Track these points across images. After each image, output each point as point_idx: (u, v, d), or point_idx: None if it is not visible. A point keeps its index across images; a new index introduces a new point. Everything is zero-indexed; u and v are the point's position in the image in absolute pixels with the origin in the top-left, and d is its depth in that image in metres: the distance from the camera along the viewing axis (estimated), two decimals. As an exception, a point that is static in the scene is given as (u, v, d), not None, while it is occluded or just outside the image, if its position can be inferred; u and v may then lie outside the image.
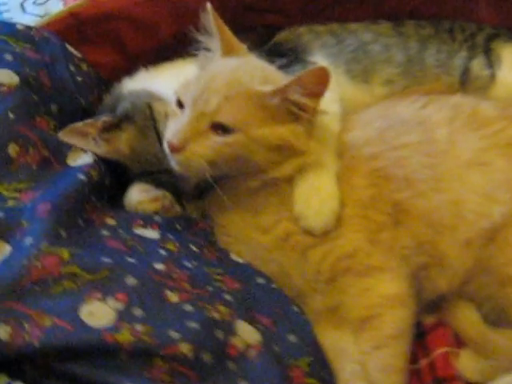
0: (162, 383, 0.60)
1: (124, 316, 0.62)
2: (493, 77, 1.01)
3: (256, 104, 0.76)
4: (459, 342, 0.86)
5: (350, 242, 0.81)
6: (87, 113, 0.90)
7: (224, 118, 0.75)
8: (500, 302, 0.84)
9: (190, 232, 0.83)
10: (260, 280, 0.80)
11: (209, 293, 0.70)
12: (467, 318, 0.87)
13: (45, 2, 1.27)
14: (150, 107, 0.87)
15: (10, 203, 0.70)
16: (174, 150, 0.74)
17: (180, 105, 0.78)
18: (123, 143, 0.87)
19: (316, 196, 0.78)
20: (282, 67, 0.90)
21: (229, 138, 0.75)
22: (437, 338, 0.87)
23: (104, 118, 0.85)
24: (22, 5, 1.27)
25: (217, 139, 0.75)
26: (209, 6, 0.81)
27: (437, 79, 1.00)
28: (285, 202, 0.81)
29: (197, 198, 0.88)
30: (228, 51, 0.81)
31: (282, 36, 1.03)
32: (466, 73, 1.00)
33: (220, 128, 0.74)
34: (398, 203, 0.83)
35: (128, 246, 0.71)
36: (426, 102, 0.90)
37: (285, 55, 0.96)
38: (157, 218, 0.82)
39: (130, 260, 0.68)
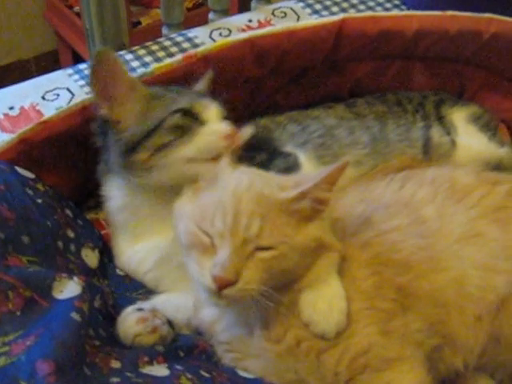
0: None
1: None
2: (453, 143, 1.04)
3: (287, 212, 0.73)
4: None
5: (363, 338, 0.78)
6: (54, 234, 0.83)
7: (269, 240, 0.71)
8: None
9: (193, 357, 0.77)
10: None
11: None
12: None
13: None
14: None
15: (1, 362, 0.61)
16: (227, 284, 0.69)
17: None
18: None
19: (322, 298, 0.75)
20: (264, 163, 0.89)
21: (275, 252, 0.71)
22: None
23: None
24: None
25: (264, 256, 0.71)
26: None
27: (402, 153, 1.01)
28: (291, 310, 0.76)
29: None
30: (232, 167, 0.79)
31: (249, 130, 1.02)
32: (427, 142, 1.03)
33: (264, 247, 0.71)
34: (401, 287, 0.81)
35: (145, 388, 0.64)
36: (403, 182, 0.90)
37: (256, 149, 0.95)
38: (159, 349, 0.75)
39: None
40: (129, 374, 0.67)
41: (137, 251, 0.91)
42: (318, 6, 1.62)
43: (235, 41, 0.99)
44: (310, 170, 0.94)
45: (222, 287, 0.70)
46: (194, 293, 0.84)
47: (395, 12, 1.50)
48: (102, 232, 1.01)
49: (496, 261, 0.82)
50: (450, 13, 1.07)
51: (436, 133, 1.04)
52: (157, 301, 0.86)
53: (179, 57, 0.97)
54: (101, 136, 0.90)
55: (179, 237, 0.77)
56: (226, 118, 0.91)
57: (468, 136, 1.06)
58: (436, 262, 0.82)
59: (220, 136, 0.85)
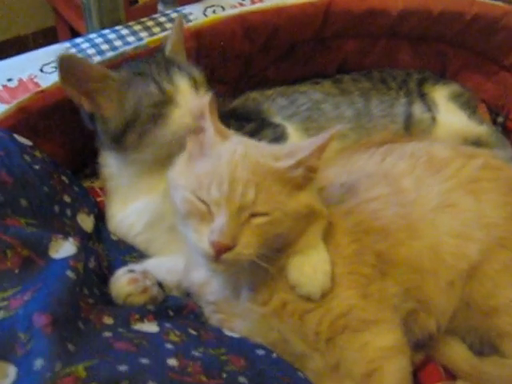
0: None
1: None
2: (434, 119, 1.08)
3: (281, 180, 0.76)
4: (448, 373, 0.89)
5: (344, 300, 0.82)
6: (51, 198, 0.87)
7: (264, 207, 0.74)
8: (485, 332, 0.88)
9: (181, 316, 0.82)
10: (260, 352, 0.79)
11: (224, 380, 0.68)
12: (457, 353, 0.89)
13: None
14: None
15: (0, 315, 0.65)
16: (225, 249, 0.72)
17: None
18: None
19: (308, 262, 0.79)
20: (253, 132, 0.93)
21: (269, 218, 0.74)
22: (429, 374, 0.89)
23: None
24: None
25: (259, 222, 0.74)
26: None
27: (384, 128, 1.06)
28: (280, 274, 0.80)
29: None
30: (221, 136, 0.80)
31: (237, 102, 1.08)
32: (409, 118, 1.08)
33: (259, 214, 0.74)
34: (380, 254, 0.85)
35: (135, 345, 0.68)
36: (384, 155, 0.94)
37: (245, 119, 0.99)
38: (150, 308, 0.79)
39: (144, 361, 0.64)
40: (120, 330, 0.71)
41: (127, 215, 0.96)
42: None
43: (226, 16, 1.03)
44: (296, 140, 0.99)
45: (219, 252, 0.72)
46: (184, 256, 0.88)
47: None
48: (98, 199, 1.05)
49: (469, 230, 0.87)
50: (433, -6, 1.11)
51: (417, 109, 1.08)
52: (148, 264, 0.90)
53: (172, 31, 1.00)
54: (90, 122, 0.95)
55: (176, 206, 0.79)
56: (199, 81, 0.94)
57: (448, 113, 1.10)
58: (412, 230, 0.86)
59: (191, 115, 0.87)
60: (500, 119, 1.23)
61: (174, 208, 0.81)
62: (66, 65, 0.89)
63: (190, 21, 1.45)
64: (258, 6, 1.06)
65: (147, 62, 0.95)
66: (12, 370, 0.60)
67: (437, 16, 1.12)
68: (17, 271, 0.71)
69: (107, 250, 0.93)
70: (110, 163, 0.97)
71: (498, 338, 0.87)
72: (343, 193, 0.89)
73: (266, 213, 0.75)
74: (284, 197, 0.76)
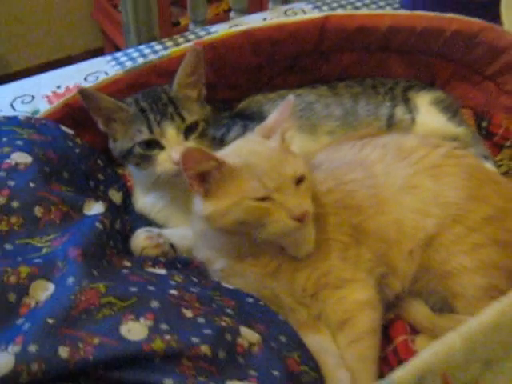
0: (190, 377, 0.74)
1: (154, 330, 0.76)
2: (413, 120, 1.25)
3: (285, 150, 0.93)
4: (413, 330, 1.00)
5: (327, 261, 0.96)
6: (87, 175, 1.07)
7: (299, 171, 0.90)
8: (441, 293, 1.00)
9: (187, 269, 0.99)
10: (249, 299, 0.94)
11: (213, 308, 0.85)
12: (419, 311, 1.01)
13: (31, 101, 1.46)
14: None
15: (45, 250, 0.85)
16: (305, 215, 0.87)
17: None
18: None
19: None
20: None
21: (306, 179, 0.91)
22: (396, 329, 1.00)
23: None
24: (11, 104, 1.45)
25: (305, 185, 0.90)
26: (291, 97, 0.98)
27: (368, 125, 1.22)
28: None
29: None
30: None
31: (244, 104, 1.26)
32: (391, 118, 1.23)
33: (300, 179, 0.90)
34: (355, 226, 0.98)
35: (146, 279, 0.87)
36: (362, 146, 1.07)
37: (249, 119, 1.17)
38: (161, 259, 0.98)
39: (151, 288, 0.83)
40: (135, 270, 0.91)
41: (150, 198, 1.14)
42: (324, 8, 1.85)
43: (235, 32, 1.22)
44: (291, 136, 1.16)
45: (303, 219, 0.87)
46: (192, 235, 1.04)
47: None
48: (128, 184, 1.24)
49: (428, 207, 0.99)
50: (417, 12, 1.28)
51: (399, 111, 1.24)
52: (164, 230, 1.09)
53: (192, 43, 1.21)
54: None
55: (237, 224, 0.88)
56: (190, 126, 1.05)
57: (428, 115, 1.26)
58: (381, 206, 0.99)
59: (172, 162, 1.01)
60: (484, 124, 1.37)
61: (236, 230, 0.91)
62: (85, 96, 1.05)
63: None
64: (262, 23, 1.26)
65: (153, 98, 1.07)
66: (51, 286, 0.81)
67: (421, 32, 1.27)
68: (58, 222, 0.91)
69: (131, 221, 1.13)
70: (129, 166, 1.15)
71: (451, 298, 0.98)
72: (326, 175, 1.03)
73: (303, 175, 0.90)
74: (295, 158, 0.93)
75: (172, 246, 1.05)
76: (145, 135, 1.04)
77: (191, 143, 1.03)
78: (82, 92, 1.06)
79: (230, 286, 0.97)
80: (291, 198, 0.88)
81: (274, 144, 0.94)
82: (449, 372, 0.77)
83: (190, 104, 1.08)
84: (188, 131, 1.05)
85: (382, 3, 1.88)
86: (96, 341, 0.75)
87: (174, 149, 1.02)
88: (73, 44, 3.34)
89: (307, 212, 0.88)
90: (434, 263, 1.00)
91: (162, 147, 1.04)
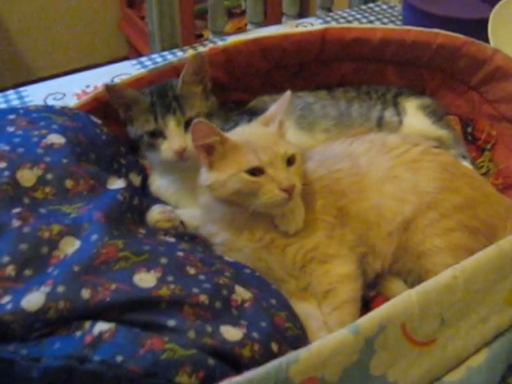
0: (190, 320, 0.88)
1: (161, 280, 0.91)
2: (401, 122, 1.39)
3: (279, 135, 1.09)
4: None
5: (314, 238, 1.06)
6: (111, 158, 1.22)
7: (291, 151, 1.04)
8: (417, 271, 1.10)
9: (194, 242, 1.14)
10: (247, 270, 1.07)
11: (214, 270, 0.99)
12: (398, 288, 1.10)
13: (62, 97, 1.63)
14: None
15: (73, 215, 0.99)
16: (293, 188, 1.01)
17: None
18: None
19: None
20: None
21: (297, 159, 1.05)
22: (378, 305, 1.05)
23: None
24: (44, 100, 1.62)
25: (295, 165, 1.05)
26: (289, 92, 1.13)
27: (360, 125, 1.36)
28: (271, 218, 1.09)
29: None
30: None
31: (252, 103, 1.40)
32: (380, 120, 1.38)
33: (291, 158, 1.04)
34: (340, 209, 1.09)
35: (157, 242, 1.02)
36: (351, 141, 1.19)
37: (256, 116, 1.31)
38: (171, 231, 1.13)
39: (161, 249, 0.98)
40: (149, 235, 1.06)
41: (164, 181, 1.30)
42: (333, 23, 2.01)
43: (246, 39, 1.37)
44: (290, 132, 1.31)
45: (292, 192, 1.00)
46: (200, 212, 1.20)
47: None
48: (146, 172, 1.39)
49: (406, 195, 1.09)
50: (406, 27, 1.42)
51: (388, 113, 1.38)
52: (176, 210, 1.25)
53: (207, 48, 1.37)
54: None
55: (234, 195, 1.03)
56: (190, 119, 1.19)
57: (414, 118, 1.39)
58: (363, 193, 1.10)
59: (172, 150, 1.19)
60: (469, 129, 1.49)
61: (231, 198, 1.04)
62: (109, 90, 1.25)
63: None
64: (270, 32, 1.41)
65: (162, 94, 1.23)
66: (77, 242, 0.95)
67: (410, 44, 1.40)
68: (85, 193, 1.05)
69: (148, 202, 1.28)
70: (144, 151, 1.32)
71: (424, 275, 1.07)
72: (317, 165, 1.15)
73: (294, 156, 1.03)
74: (287, 142, 1.09)
75: (182, 223, 1.20)
76: (151, 125, 1.20)
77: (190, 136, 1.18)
78: (107, 86, 1.25)
79: (230, 259, 1.08)
80: (281, 173, 1.01)
81: (272, 130, 1.10)
82: (408, 325, 0.91)
83: (193, 99, 1.24)
84: (189, 124, 1.17)
85: (385, 20, 2.03)
86: (113, 286, 0.89)
87: (173, 139, 1.19)
88: (99, 53, 3.52)
89: (295, 186, 1.01)
90: (411, 244, 1.10)
91: (164, 137, 1.20)
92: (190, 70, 1.24)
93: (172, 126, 1.20)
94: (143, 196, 1.26)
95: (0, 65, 3.34)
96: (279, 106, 1.12)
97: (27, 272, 0.91)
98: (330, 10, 2.18)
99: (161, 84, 1.27)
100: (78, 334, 0.85)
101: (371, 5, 2.12)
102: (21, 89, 1.67)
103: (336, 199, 1.12)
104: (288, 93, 1.12)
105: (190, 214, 1.23)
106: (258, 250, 1.08)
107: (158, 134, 1.21)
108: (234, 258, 1.09)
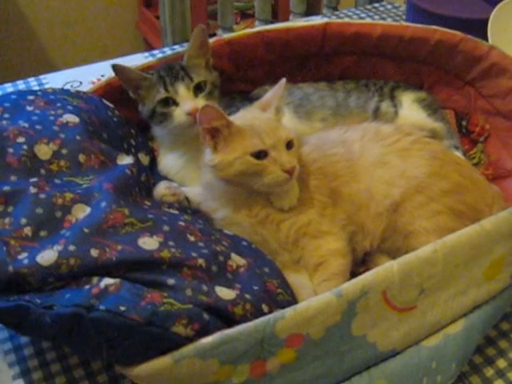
0: (188, 280, 0.96)
1: (163, 244, 0.99)
2: (396, 114, 1.47)
3: (277, 120, 1.17)
4: None
5: (307, 215, 1.13)
6: (122, 138, 1.31)
7: (290, 136, 1.12)
8: (405, 250, 1.11)
9: (196, 216, 1.23)
10: (244, 242, 1.13)
11: (212, 239, 1.07)
12: None
13: (79, 85, 1.73)
14: None
15: (85, 185, 1.08)
16: (294, 169, 1.09)
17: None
18: None
19: None
20: None
21: (296, 144, 1.13)
22: None
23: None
24: (62, 87, 1.70)
25: (294, 149, 1.13)
26: (284, 80, 1.21)
27: (357, 116, 1.44)
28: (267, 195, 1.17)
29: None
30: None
31: (255, 92, 1.48)
32: (377, 111, 1.45)
33: (291, 142, 1.12)
34: (332, 189, 1.16)
35: (161, 213, 1.11)
36: (346, 129, 1.26)
37: None
38: (176, 205, 1.22)
39: (164, 218, 1.07)
40: (154, 207, 1.14)
41: (170, 160, 1.39)
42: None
43: (250, 32, 1.45)
44: (288, 120, 1.39)
45: (293, 173, 1.08)
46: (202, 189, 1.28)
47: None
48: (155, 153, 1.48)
49: (395, 179, 1.16)
50: (405, 23, 1.50)
51: (384, 105, 1.45)
52: (182, 187, 1.33)
53: (213, 39, 1.45)
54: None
55: (238, 175, 1.10)
56: (198, 84, 1.29)
57: (409, 110, 1.46)
58: (354, 176, 1.17)
59: (186, 114, 1.26)
60: (464, 123, 1.56)
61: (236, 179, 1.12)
62: (116, 70, 1.34)
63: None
64: (273, 25, 1.50)
65: (169, 67, 1.32)
66: (88, 208, 1.04)
67: (408, 40, 1.47)
68: (96, 167, 1.14)
69: (155, 180, 1.37)
70: (154, 128, 1.42)
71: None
72: (312, 149, 1.22)
73: (292, 140, 1.11)
74: (285, 127, 1.16)
75: (187, 198, 1.28)
76: (162, 94, 1.28)
77: (200, 100, 1.28)
78: (115, 66, 1.34)
79: (230, 233, 1.18)
80: (284, 155, 1.10)
81: (270, 115, 1.18)
82: (388, 292, 0.99)
83: (199, 69, 1.32)
84: (197, 90, 1.29)
85: (389, 19, 2.11)
86: (119, 247, 0.98)
87: (185, 103, 1.27)
88: (116, 51, 3.62)
89: (295, 167, 1.10)
90: (399, 224, 1.17)
91: (176, 104, 1.28)
92: (195, 44, 1.33)
93: (182, 91, 1.28)
94: (151, 174, 1.35)
95: (22, 58, 3.46)
96: (275, 92, 1.19)
97: (42, 233, 1.00)
98: (336, 8, 2.26)
99: (168, 63, 1.39)
100: (87, 287, 0.94)
101: (376, 4, 2.20)
102: (41, 76, 1.77)
103: (329, 181, 1.18)
104: (283, 80, 1.19)
105: (195, 191, 1.31)
106: (255, 224, 1.14)
107: (169, 103, 1.28)
108: (233, 231, 1.15)
